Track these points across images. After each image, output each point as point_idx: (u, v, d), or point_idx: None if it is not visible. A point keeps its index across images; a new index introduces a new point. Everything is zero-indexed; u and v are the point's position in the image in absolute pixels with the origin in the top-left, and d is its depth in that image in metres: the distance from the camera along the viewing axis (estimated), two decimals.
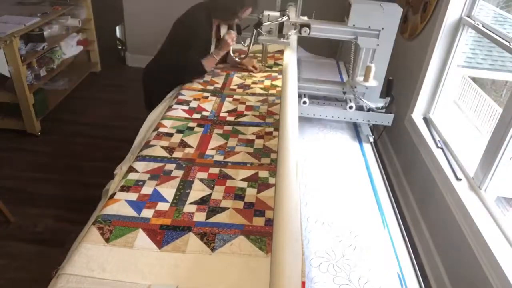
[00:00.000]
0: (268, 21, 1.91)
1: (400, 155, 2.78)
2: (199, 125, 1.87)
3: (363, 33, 1.90)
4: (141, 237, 1.21)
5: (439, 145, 2.22)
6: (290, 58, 2.20)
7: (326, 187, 1.61)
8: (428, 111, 2.52)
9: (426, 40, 2.47)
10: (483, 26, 2.06)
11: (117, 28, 4.51)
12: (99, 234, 1.21)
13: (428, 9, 2.49)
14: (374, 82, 1.97)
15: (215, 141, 1.76)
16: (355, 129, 2.14)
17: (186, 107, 2.03)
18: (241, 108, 2.07)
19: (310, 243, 1.30)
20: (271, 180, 1.50)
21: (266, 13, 1.92)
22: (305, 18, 2.03)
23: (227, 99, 2.17)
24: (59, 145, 3.01)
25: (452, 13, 2.26)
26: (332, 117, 2.07)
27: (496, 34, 1.94)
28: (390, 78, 1.98)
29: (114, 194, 1.39)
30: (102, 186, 1.63)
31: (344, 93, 2.14)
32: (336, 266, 1.22)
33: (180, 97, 2.13)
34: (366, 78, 1.95)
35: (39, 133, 3.09)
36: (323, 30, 1.95)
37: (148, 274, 1.10)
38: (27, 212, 2.34)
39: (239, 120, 1.95)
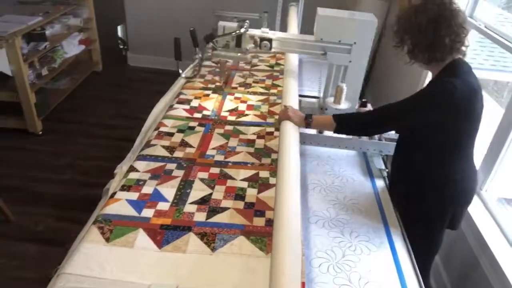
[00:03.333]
0: (224, 33, 1.68)
1: None
2: (200, 125, 1.87)
3: (332, 47, 1.67)
4: (141, 237, 1.21)
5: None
6: (292, 60, 2.18)
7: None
8: None
9: None
10: (485, 27, 2.06)
11: (119, 28, 4.51)
12: (99, 234, 1.21)
13: None
14: (346, 104, 1.74)
15: (216, 140, 1.75)
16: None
17: (187, 107, 2.03)
18: (242, 107, 2.07)
19: (310, 244, 1.30)
20: (272, 181, 1.50)
21: (221, 24, 1.70)
22: (267, 30, 1.76)
23: (228, 96, 2.16)
24: (60, 144, 3.01)
25: None
26: (325, 144, 1.76)
27: (498, 35, 1.94)
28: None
29: (114, 193, 1.39)
30: (103, 185, 1.63)
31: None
32: (337, 266, 1.22)
33: (181, 96, 2.12)
34: (337, 100, 1.74)
35: (40, 132, 3.09)
36: (286, 43, 1.74)
37: (148, 274, 1.10)
38: (27, 211, 2.34)
39: (240, 119, 1.95)
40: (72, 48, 3.64)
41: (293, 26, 2.67)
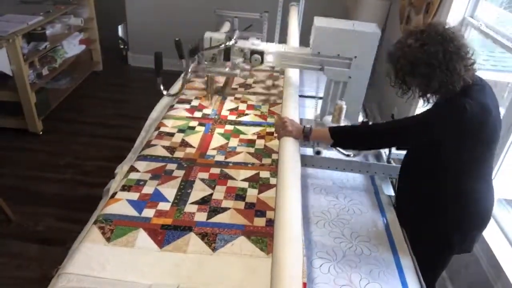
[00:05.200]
0: (210, 46, 1.52)
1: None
2: (200, 124, 1.87)
3: (330, 61, 1.53)
4: (142, 237, 1.21)
5: None
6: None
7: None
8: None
9: None
10: (486, 27, 2.06)
11: (119, 28, 4.50)
12: (100, 234, 1.21)
13: (431, 9, 2.49)
14: (345, 124, 1.59)
15: (216, 141, 1.75)
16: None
17: (187, 106, 2.03)
18: (242, 107, 2.07)
19: (311, 244, 1.30)
20: (272, 181, 1.50)
21: (207, 35, 1.53)
22: (259, 41, 1.62)
23: (229, 97, 2.16)
24: (60, 144, 3.01)
25: (455, 14, 2.25)
26: (328, 167, 1.60)
27: (498, 35, 1.93)
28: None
29: (115, 193, 1.39)
30: (103, 185, 1.63)
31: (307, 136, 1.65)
32: (337, 267, 1.22)
33: (182, 96, 2.12)
34: (335, 119, 1.59)
35: (41, 132, 3.09)
36: (279, 57, 1.59)
37: (149, 274, 1.10)
38: (28, 211, 2.34)
39: (240, 119, 1.95)
40: (72, 48, 3.64)
41: (294, 26, 2.67)
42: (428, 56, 1.16)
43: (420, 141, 1.30)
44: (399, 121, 1.34)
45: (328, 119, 1.64)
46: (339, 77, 1.57)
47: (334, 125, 1.56)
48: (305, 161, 1.54)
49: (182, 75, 1.73)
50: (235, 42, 1.54)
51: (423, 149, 1.32)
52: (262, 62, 1.57)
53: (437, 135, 1.22)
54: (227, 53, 1.54)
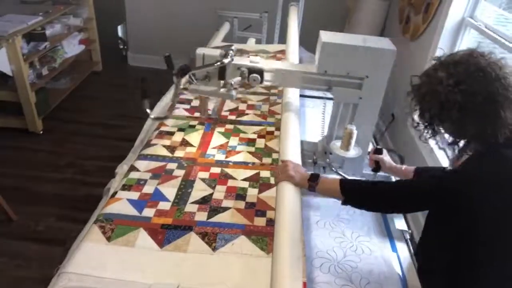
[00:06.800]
0: (203, 65, 1.37)
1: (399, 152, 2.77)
2: (200, 123, 1.87)
3: (339, 81, 1.37)
4: (143, 236, 1.21)
5: (441, 146, 2.22)
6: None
7: None
8: None
9: (428, 41, 2.47)
10: (485, 27, 2.06)
11: (119, 27, 4.51)
12: (101, 233, 1.21)
13: (430, 9, 2.49)
14: (355, 151, 1.42)
15: (217, 140, 1.76)
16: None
17: (187, 106, 2.03)
18: (242, 107, 2.07)
19: (311, 244, 1.30)
20: (272, 180, 1.50)
21: (200, 51, 1.38)
22: (258, 59, 1.47)
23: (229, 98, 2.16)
24: (60, 143, 3.02)
25: (454, 14, 2.26)
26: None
27: (498, 35, 1.94)
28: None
29: (115, 193, 1.39)
30: (104, 185, 1.63)
31: (315, 162, 1.53)
32: (338, 267, 1.22)
33: (182, 96, 2.13)
34: (344, 145, 1.40)
35: (41, 132, 3.09)
36: (280, 76, 1.44)
37: (149, 273, 1.10)
38: (28, 211, 2.34)
39: (240, 119, 1.95)
40: (72, 48, 3.64)
41: (293, 27, 2.68)
42: (463, 98, 0.92)
43: (464, 206, 0.98)
44: (430, 179, 1.07)
45: (337, 144, 1.46)
46: (349, 99, 1.41)
47: (343, 151, 1.39)
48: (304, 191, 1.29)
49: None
50: (232, 60, 1.37)
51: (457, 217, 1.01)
52: (261, 82, 1.42)
53: (481, 198, 0.95)
54: (222, 72, 1.38)
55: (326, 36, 1.35)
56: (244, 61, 1.44)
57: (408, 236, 1.39)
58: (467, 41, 2.29)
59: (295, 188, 1.23)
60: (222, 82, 1.41)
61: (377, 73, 1.33)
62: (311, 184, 1.20)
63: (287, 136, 1.48)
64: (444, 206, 1.02)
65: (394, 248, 1.33)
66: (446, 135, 1.05)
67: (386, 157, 1.43)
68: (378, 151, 1.44)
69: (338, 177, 1.34)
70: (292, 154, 1.37)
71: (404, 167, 1.40)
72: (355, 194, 1.16)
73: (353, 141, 1.39)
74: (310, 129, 1.94)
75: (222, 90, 1.42)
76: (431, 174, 1.15)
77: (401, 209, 1.21)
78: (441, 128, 1.03)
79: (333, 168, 1.49)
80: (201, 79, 1.40)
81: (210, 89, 1.43)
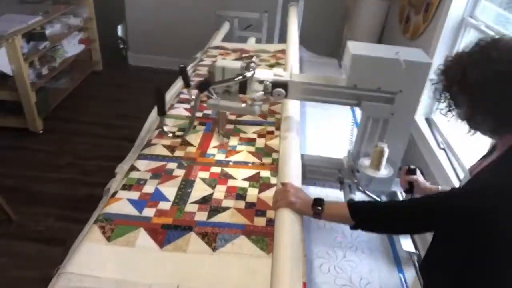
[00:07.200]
0: (223, 80, 1.30)
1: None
2: (200, 123, 1.87)
3: (369, 96, 1.29)
4: (143, 236, 1.21)
5: (441, 146, 2.22)
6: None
7: None
8: (430, 112, 2.51)
9: (428, 41, 2.46)
10: (485, 27, 2.06)
11: (119, 27, 4.51)
12: (101, 233, 1.21)
13: (430, 9, 2.49)
14: (386, 171, 1.33)
15: (217, 139, 1.75)
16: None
17: (187, 106, 2.03)
18: None
19: (311, 244, 1.30)
20: (273, 180, 1.50)
21: (220, 64, 1.32)
22: (281, 71, 1.40)
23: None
24: (60, 143, 3.02)
25: (454, 13, 2.25)
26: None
27: (497, 35, 1.94)
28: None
29: (115, 192, 1.39)
30: (104, 184, 1.63)
31: (341, 182, 1.46)
32: (337, 267, 1.22)
33: (182, 95, 2.13)
34: (374, 164, 1.32)
35: (41, 132, 3.09)
36: (307, 91, 1.36)
37: (149, 274, 1.10)
38: (28, 211, 2.34)
39: (240, 118, 1.95)
40: (72, 47, 3.64)
41: (293, 26, 2.68)
42: (486, 65, 0.89)
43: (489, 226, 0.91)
44: (448, 196, 0.99)
45: (365, 162, 1.36)
46: (380, 114, 1.32)
47: (373, 171, 1.30)
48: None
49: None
50: (253, 73, 1.30)
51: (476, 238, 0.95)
52: (286, 96, 1.33)
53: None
54: (243, 86, 1.31)
55: (355, 47, 1.26)
56: (267, 74, 1.36)
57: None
58: (467, 41, 2.28)
59: (296, 179, 1.20)
60: (243, 96, 1.35)
61: (411, 87, 1.25)
62: (316, 211, 1.10)
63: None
64: (463, 224, 0.95)
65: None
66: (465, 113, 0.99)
67: (420, 177, 1.33)
68: (411, 171, 1.33)
69: (342, 199, 1.25)
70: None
71: (440, 187, 1.29)
72: (368, 216, 1.07)
73: (384, 160, 1.31)
74: (333, 143, 1.84)
75: (243, 105, 1.36)
76: (451, 191, 1.07)
77: (420, 229, 1.13)
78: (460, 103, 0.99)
79: (360, 188, 1.40)
80: (221, 92, 1.34)
81: (231, 105, 1.36)
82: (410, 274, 1.25)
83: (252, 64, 1.31)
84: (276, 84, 1.33)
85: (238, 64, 1.32)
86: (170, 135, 1.44)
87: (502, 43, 0.92)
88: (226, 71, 1.31)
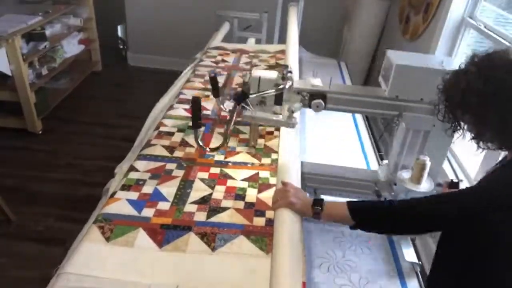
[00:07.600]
0: (259, 90, 1.24)
1: None
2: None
3: (412, 107, 1.26)
4: (142, 236, 1.21)
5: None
6: None
7: None
8: None
9: (428, 41, 2.46)
10: (485, 27, 2.06)
11: (119, 27, 4.51)
12: (100, 233, 1.21)
13: (430, 9, 2.49)
14: (428, 185, 1.29)
15: (216, 140, 1.75)
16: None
17: (187, 106, 2.03)
18: None
19: (311, 244, 1.30)
20: (272, 181, 1.50)
21: (256, 74, 1.26)
22: (319, 80, 1.34)
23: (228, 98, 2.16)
24: (60, 143, 3.02)
25: (454, 14, 2.26)
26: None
27: (498, 35, 1.94)
28: None
29: (114, 193, 1.39)
30: (103, 185, 1.63)
31: (378, 195, 1.43)
32: (337, 267, 1.22)
33: (181, 96, 2.13)
34: (415, 177, 1.28)
35: (40, 132, 3.09)
36: (346, 102, 1.32)
37: (148, 274, 1.10)
38: (28, 211, 2.34)
39: (240, 119, 1.94)
40: (72, 47, 3.64)
41: (293, 26, 2.68)
42: (484, 84, 0.89)
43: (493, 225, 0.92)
44: (459, 195, 1.00)
45: (405, 175, 1.32)
46: (421, 125, 1.29)
47: (413, 185, 1.27)
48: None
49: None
50: (292, 84, 1.24)
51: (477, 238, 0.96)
52: (325, 107, 1.28)
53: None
54: (279, 96, 1.25)
55: (396, 56, 1.24)
56: (305, 84, 1.31)
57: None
58: (467, 41, 2.29)
59: (296, 178, 1.20)
60: (278, 107, 1.28)
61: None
62: (316, 211, 1.10)
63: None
64: (462, 225, 0.95)
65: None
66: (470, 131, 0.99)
67: None
68: (453, 185, 1.30)
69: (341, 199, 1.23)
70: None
71: None
72: (368, 216, 1.07)
73: (425, 174, 1.28)
74: (334, 146, 1.84)
75: (280, 117, 1.29)
76: (451, 192, 1.09)
77: (420, 230, 1.13)
78: (464, 122, 1.00)
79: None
80: (255, 104, 1.27)
81: (268, 117, 1.29)
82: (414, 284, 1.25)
83: (289, 74, 1.26)
84: (314, 95, 1.28)
85: (275, 74, 1.27)
86: (208, 150, 1.40)
87: (497, 58, 0.91)
88: (262, 81, 1.26)
